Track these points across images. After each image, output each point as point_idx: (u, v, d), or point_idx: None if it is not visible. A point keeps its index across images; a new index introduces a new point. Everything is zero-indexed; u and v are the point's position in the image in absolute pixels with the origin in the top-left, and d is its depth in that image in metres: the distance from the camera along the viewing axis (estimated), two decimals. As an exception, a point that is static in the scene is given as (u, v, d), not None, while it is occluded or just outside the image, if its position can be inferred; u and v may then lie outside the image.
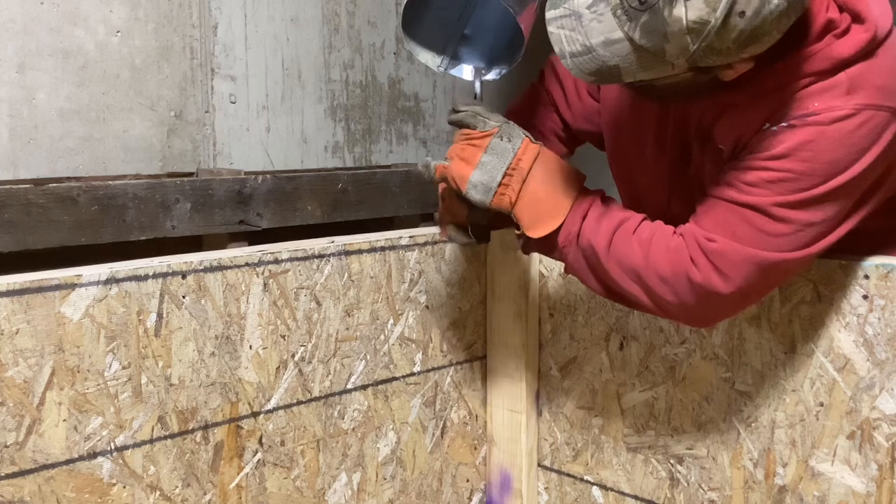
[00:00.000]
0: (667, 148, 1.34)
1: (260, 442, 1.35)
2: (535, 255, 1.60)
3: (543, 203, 1.26)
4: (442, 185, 1.36)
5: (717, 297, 1.17)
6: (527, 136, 1.28)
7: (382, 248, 1.48)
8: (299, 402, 1.39)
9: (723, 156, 1.24)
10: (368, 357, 1.47)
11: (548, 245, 1.29)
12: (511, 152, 1.27)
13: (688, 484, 1.45)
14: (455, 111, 1.31)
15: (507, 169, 1.26)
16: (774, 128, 1.16)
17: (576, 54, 1.10)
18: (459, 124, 1.31)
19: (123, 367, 1.19)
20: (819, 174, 1.13)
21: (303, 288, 1.38)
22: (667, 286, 1.19)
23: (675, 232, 1.21)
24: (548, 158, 1.29)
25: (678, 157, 1.34)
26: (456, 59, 1.42)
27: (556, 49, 1.11)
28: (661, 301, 1.20)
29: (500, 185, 1.26)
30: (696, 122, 1.28)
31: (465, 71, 1.42)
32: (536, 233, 1.27)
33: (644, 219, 1.25)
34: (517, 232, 1.30)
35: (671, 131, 1.33)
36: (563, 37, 1.10)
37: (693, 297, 1.18)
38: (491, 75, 1.40)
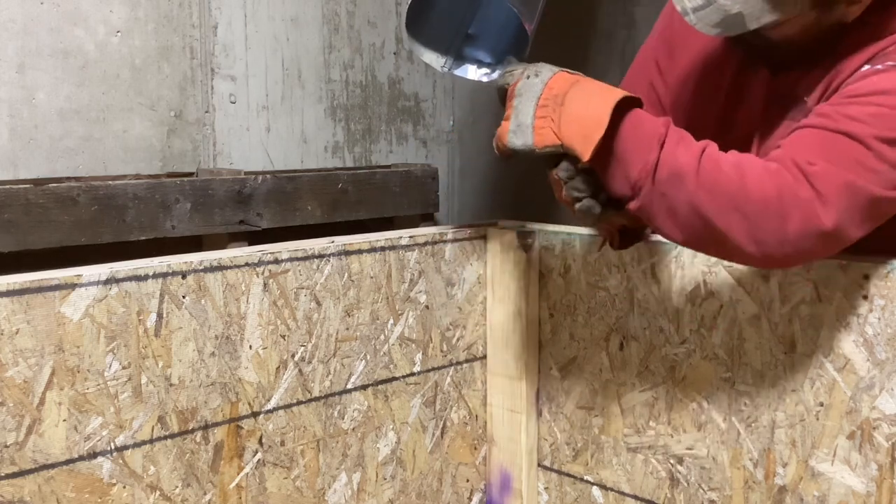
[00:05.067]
0: (733, 129, 1.33)
1: (260, 442, 1.35)
2: (535, 256, 1.60)
3: (586, 116, 1.14)
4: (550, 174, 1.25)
5: (817, 227, 1.10)
6: (561, 70, 1.20)
7: (382, 248, 1.48)
8: (299, 402, 1.39)
9: (806, 107, 1.23)
10: (368, 357, 1.47)
11: (622, 177, 1.16)
12: (540, 84, 1.18)
13: (688, 484, 1.45)
14: (490, 65, 1.28)
15: (539, 100, 1.17)
16: (880, 66, 1.15)
17: (698, 8, 1.11)
18: (501, 95, 1.25)
19: (123, 367, 1.19)
20: None
21: (303, 288, 1.38)
22: (769, 210, 1.10)
23: (767, 158, 1.15)
24: (588, 80, 1.20)
25: (741, 140, 1.32)
26: (460, 58, 1.42)
27: (679, 7, 1.12)
28: (759, 231, 1.11)
29: (535, 118, 1.16)
30: (775, 92, 1.27)
31: (470, 71, 1.42)
32: (588, 149, 1.13)
33: (718, 147, 1.18)
34: (576, 166, 1.17)
35: (742, 114, 1.32)
36: None
37: (796, 223, 1.10)
38: (496, 75, 1.39)
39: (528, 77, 1.20)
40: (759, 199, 1.11)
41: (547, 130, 1.16)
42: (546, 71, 1.20)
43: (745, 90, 1.35)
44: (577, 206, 1.20)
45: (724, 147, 1.18)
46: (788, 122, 1.28)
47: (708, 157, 1.14)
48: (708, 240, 1.16)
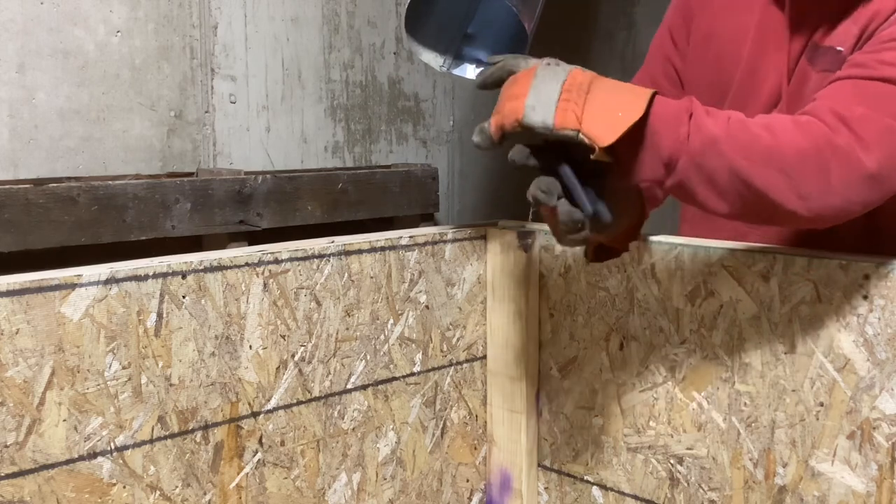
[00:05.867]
0: (761, 81, 1.33)
1: (260, 442, 1.35)
2: (535, 256, 1.60)
3: (615, 105, 1.11)
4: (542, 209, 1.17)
5: (860, 172, 1.08)
6: (575, 67, 1.17)
7: (382, 248, 1.48)
8: (299, 402, 1.39)
9: (840, 57, 1.22)
10: (368, 357, 1.47)
11: (653, 158, 1.11)
12: (563, 72, 1.14)
13: (688, 484, 1.45)
14: (489, 64, 1.20)
15: (564, 85, 1.12)
16: None
17: None
18: (500, 76, 1.18)
19: (123, 367, 1.19)
20: None
21: (303, 288, 1.38)
22: (807, 162, 1.08)
23: (801, 111, 1.13)
24: (604, 78, 1.17)
25: (772, 91, 1.32)
26: (459, 58, 1.42)
27: None
28: (801, 185, 1.08)
29: (559, 100, 1.11)
30: (805, 44, 1.27)
31: (469, 70, 1.42)
32: (615, 132, 1.07)
33: (749, 108, 1.18)
34: (591, 156, 1.11)
35: (769, 65, 1.31)
36: None
37: (838, 171, 1.07)
38: None
39: (549, 64, 1.17)
40: (794, 152, 1.09)
41: (570, 113, 1.11)
42: (564, 64, 1.18)
43: (771, 40, 1.34)
44: (566, 221, 1.12)
45: (756, 101, 1.19)
46: (822, 73, 1.26)
47: (735, 120, 1.12)
48: (754, 204, 1.12)
